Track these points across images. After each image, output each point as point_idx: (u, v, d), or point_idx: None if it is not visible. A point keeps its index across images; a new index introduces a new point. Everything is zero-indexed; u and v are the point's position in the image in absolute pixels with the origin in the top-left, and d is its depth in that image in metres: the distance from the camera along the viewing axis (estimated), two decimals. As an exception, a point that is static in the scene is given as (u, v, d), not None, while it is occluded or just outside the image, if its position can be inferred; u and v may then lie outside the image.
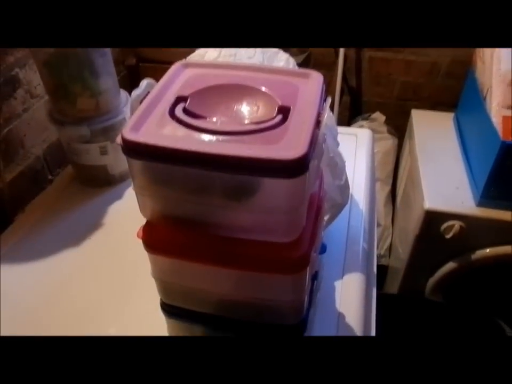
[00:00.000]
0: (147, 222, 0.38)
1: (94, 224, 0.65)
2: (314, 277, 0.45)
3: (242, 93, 0.37)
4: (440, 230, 0.98)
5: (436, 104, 1.48)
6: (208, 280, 0.39)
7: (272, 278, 0.37)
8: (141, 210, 0.37)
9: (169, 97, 0.36)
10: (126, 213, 0.59)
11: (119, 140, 0.32)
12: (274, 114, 0.34)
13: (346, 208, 0.60)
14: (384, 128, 1.47)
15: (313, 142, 0.32)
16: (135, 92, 0.47)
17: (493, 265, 1.00)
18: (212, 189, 0.34)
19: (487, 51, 1.01)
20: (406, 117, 1.38)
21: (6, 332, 0.50)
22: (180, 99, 0.36)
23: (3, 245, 0.62)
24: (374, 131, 1.43)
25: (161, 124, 0.34)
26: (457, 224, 0.96)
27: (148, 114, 0.34)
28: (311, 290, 0.44)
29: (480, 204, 0.96)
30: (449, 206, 0.98)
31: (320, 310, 0.51)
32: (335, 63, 1.43)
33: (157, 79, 0.41)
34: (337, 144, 0.58)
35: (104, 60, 0.65)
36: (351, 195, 0.67)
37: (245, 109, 0.35)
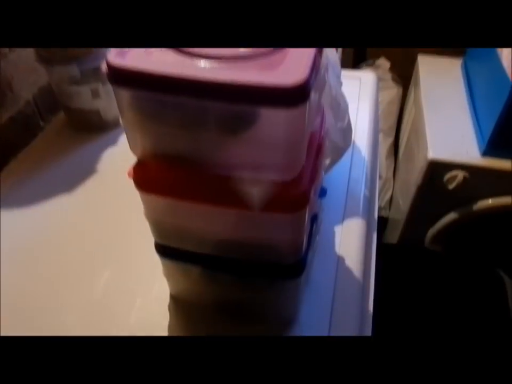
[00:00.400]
0: (138, 161, 0.36)
1: (87, 170, 0.63)
2: (314, 218, 0.44)
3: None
4: (443, 180, 0.97)
5: (443, 49, 1.43)
6: (203, 219, 0.38)
7: (271, 217, 0.35)
8: (131, 148, 0.35)
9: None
10: (120, 158, 0.57)
11: (103, 66, 0.30)
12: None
13: (348, 153, 0.58)
14: (389, 76, 1.42)
15: (315, 68, 0.29)
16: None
17: (494, 215, 1.00)
18: (205, 122, 0.31)
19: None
20: (412, 64, 1.32)
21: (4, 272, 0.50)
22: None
23: (-5, 191, 0.60)
24: (378, 79, 1.40)
25: (150, 50, 0.31)
26: (460, 174, 0.95)
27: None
28: (311, 232, 0.43)
29: (485, 153, 0.95)
30: (453, 156, 0.96)
31: (319, 253, 0.51)
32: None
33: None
34: (340, 83, 0.54)
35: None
36: (353, 141, 0.64)
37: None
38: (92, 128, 0.69)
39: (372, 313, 0.52)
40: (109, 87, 0.46)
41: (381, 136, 1.37)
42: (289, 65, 0.29)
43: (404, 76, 1.44)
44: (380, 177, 1.36)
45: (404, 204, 1.16)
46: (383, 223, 1.36)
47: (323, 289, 0.49)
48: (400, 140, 1.43)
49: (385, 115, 1.40)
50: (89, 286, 0.50)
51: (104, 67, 0.30)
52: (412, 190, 1.07)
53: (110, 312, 0.48)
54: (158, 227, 0.40)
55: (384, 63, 1.45)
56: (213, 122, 0.31)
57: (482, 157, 0.95)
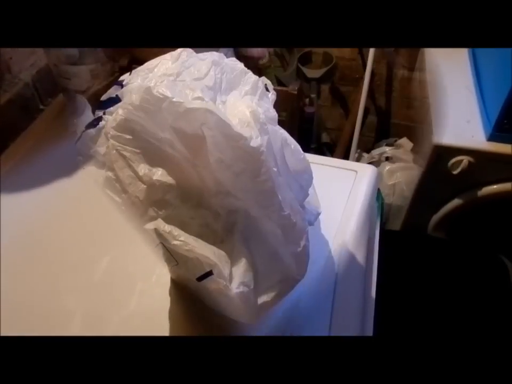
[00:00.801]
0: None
1: (87, 154, 0.61)
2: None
3: None
4: (448, 165, 0.95)
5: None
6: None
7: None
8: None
9: None
10: None
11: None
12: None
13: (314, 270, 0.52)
14: (410, 157, 1.36)
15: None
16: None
17: (498, 201, 0.99)
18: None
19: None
20: None
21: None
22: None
23: (-5, 174, 0.59)
24: (397, 159, 1.37)
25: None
26: (465, 159, 0.93)
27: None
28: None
29: (491, 137, 0.92)
30: (458, 140, 0.94)
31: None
32: (362, 78, 1.33)
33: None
34: (304, 195, 0.48)
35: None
36: (329, 252, 0.57)
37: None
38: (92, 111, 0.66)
39: (374, 305, 0.51)
40: (108, 66, 0.45)
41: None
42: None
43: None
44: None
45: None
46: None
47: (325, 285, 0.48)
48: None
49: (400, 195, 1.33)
50: (90, 271, 0.50)
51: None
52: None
53: (111, 297, 0.47)
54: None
55: (406, 143, 1.41)
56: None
57: (488, 141, 0.93)
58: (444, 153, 0.95)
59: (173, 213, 0.38)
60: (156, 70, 0.43)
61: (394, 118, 1.48)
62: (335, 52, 1.41)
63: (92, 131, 0.44)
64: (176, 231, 0.37)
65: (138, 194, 0.38)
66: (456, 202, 1.03)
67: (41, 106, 0.74)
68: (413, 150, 1.40)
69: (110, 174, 0.39)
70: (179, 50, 0.45)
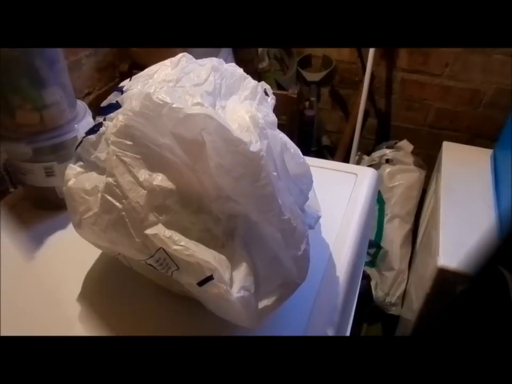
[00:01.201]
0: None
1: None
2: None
3: None
4: (455, 292, 0.81)
5: (474, 136, 1.38)
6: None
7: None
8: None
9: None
10: (65, 248, 0.56)
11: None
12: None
13: (316, 274, 0.51)
14: (410, 159, 1.37)
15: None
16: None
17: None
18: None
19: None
20: (439, 147, 1.24)
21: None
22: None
23: None
24: (398, 161, 1.36)
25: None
26: None
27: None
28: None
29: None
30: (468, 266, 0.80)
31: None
32: (361, 81, 1.34)
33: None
34: (304, 199, 0.48)
35: (54, 69, 0.56)
36: (330, 253, 0.56)
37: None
38: (48, 205, 0.63)
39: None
40: (65, 165, 0.44)
41: (397, 222, 1.30)
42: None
43: (429, 160, 1.37)
44: (392, 268, 1.26)
45: (416, 303, 0.97)
46: (393, 321, 1.24)
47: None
48: (419, 227, 1.32)
49: (404, 200, 1.32)
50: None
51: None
52: (421, 294, 0.90)
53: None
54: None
55: (407, 145, 1.40)
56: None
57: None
58: (450, 278, 0.83)
59: (174, 218, 0.38)
60: (155, 76, 0.43)
61: (394, 120, 1.48)
62: (334, 55, 1.41)
63: (92, 137, 0.44)
64: (177, 236, 0.37)
65: (139, 199, 0.38)
66: None
67: (11, 189, 0.72)
68: (413, 152, 1.40)
69: (110, 179, 0.39)
70: (178, 56, 0.45)
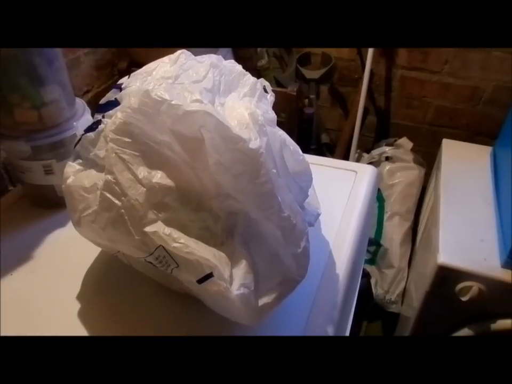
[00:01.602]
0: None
1: (22, 256, 0.55)
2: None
3: None
4: (455, 290, 0.82)
5: (474, 134, 1.38)
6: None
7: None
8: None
9: None
10: (64, 246, 0.56)
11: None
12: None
13: (316, 271, 0.51)
14: (410, 157, 1.36)
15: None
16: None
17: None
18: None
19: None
20: (438, 145, 1.23)
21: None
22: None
23: None
24: (397, 159, 1.36)
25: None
26: (475, 286, 0.79)
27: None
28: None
29: (506, 264, 0.78)
30: (468, 263, 0.80)
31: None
32: (361, 79, 1.33)
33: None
34: (304, 196, 0.47)
35: (53, 67, 0.56)
36: (330, 250, 0.56)
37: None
38: (47, 203, 0.63)
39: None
40: (64, 163, 0.44)
41: (396, 220, 1.30)
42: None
43: (429, 158, 1.37)
44: (392, 266, 1.26)
45: (416, 300, 0.96)
46: (393, 319, 1.23)
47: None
48: (419, 225, 1.32)
49: (404, 197, 1.32)
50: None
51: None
52: (421, 292, 0.90)
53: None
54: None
55: (406, 142, 1.40)
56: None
57: (503, 268, 0.78)
58: (451, 276, 0.82)
59: (173, 215, 0.38)
60: (154, 73, 0.43)
61: (393, 117, 1.48)
62: (333, 52, 1.41)
63: (91, 134, 0.44)
64: (176, 234, 0.37)
65: (138, 197, 0.38)
66: (465, 332, 0.87)
67: (11, 188, 0.71)
68: (413, 150, 1.40)
69: (109, 177, 0.39)
70: (177, 53, 0.45)
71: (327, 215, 0.57)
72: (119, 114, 0.39)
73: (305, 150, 0.47)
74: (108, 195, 0.39)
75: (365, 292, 1.26)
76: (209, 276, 0.37)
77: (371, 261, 1.33)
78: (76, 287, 0.51)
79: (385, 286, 1.28)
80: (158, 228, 0.37)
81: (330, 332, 0.47)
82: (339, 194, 0.66)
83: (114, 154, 0.38)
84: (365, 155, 1.47)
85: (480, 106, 1.34)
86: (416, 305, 0.93)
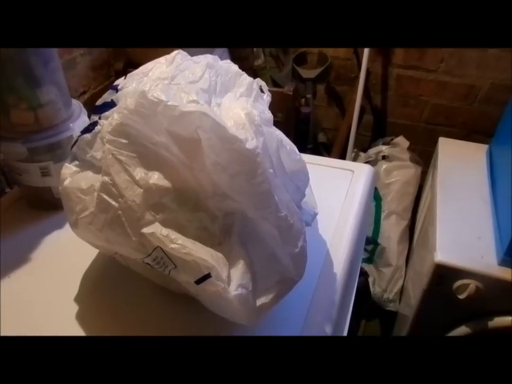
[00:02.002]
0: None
1: (20, 258, 0.55)
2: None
3: None
4: (452, 288, 0.82)
5: (470, 132, 1.39)
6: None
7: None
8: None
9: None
10: (61, 248, 0.56)
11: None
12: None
13: (313, 270, 0.51)
14: (407, 155, 1.37)
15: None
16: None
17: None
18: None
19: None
20: (435, 143, 1.24)
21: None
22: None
23: None
24: (394, 158, 1.36)
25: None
26: (472, 284, 0.79)
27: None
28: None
29: (503, 262, 0.78)
30: (465, 261, 0.80)
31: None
32: (357, 78, 1.34)
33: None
34: (301, 196, 0.48)
35: (49, 68, 0.56)
36: (327, 250, 0.57)
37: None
38: (44, 205, 0.63)
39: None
40: (61, 165, 0.44)
41: (393, 218, 1.30)
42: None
43: (426, 156, 1.37)
44: (390, 265, 1.27)
45: (414, 298, 0.96)
46: (391, 317, 1.24)
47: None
48: (416, 223, 1.32)
49: (401, 196, 1.32)
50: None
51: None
52: (418, 291, 0.90)
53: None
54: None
55: (403, 141, 1.40)
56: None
57: (499, 265, 0.78)
58: (448, 274, 0.82)
59: (170, 216, 0.38)
60: (150, 73, 0.43)
61: (390, 116, 1.48)
62: (330, 52, 1.41)
63: (87, 136, 0.44)
64: (174, 235, 0.37)
65: (135, 198, 0.38)
66: (463, 330, 0.87)
67: (8, 189, 0.71)
68: (410, 148, 1.40)
69: (106, 178, 0.39)
70: (173, 53, 0.45)
71: (324, 214, 0.57)
72: (115, 116, 0.39)
73: (302, 149, 0.47)
74: (105, 196, 0.39)
75: (363, 290, 1.27)
76: (207, 276, 0.37)
77: (369, 260, 1.34)
78: (74, 289, 0.51)
79: (383, 285, 1.28)
80: (156, 229, 0.37)
81: (328, 330, 0.47)
82: (336, 194, 0.66)
83: (111, 156, 0.38)
84: (362, 154, 1.47)
85: (476, 105, 1.35)
86: (414, 303, 0.94)
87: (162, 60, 0.44)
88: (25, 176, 0.60)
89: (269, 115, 0.45)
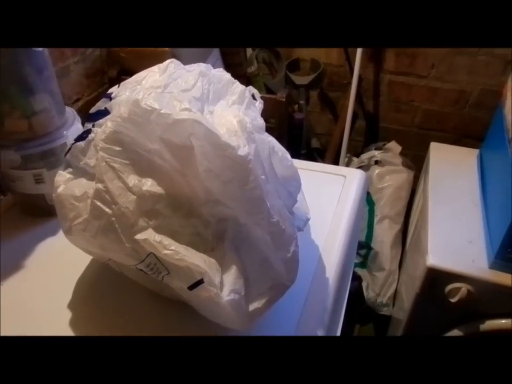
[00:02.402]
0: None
1: (13, 265, 0.55)
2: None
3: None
4: (444, 291, 0.83)
5: (461, 136, 1.40)
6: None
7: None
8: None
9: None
10: (55, 255, 0.56)
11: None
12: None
13: (306, 275, 0.51)
14: (399, 160, 1.38)
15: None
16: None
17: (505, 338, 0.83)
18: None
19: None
20: (426, 148, 1.25)
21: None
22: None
23: None
24: (387, 162, 1.38)
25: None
26: (464, 288, 0.80)
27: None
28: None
29: (494, 265, 0.79)
30: (457, 265, 0.81)
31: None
32: (350, 83, 1.35)
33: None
34: (293, 202, 0.48)
35: (42, 77, 0.57)
36: (320, 254, 0.57)
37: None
38: (38, 212, 0.63)
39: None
40: (54, 172, 0.45)
41: (386, 223, 1.31)
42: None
43: (418, 160, 1.39)
44: (383, 269, 1.28)
45: (407, 302, 0.96)
46: (385, 321, 1.25)
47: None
48: (408, 227, 1.33)
49: (393, 200, 1.33)
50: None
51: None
52: (411, 295, 0.90)
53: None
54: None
55: (395, 146, 1.42)
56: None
57: (490, 269, 0.79)
58: (440, 277, 0.82)
59: (164, 222, 0.39)
60: (143, 82, 0.43)
61: (382, 122, 1.50)
62: (322, 58, 1.42)
63: (81, 143, 0.44)
64: (167, 241, 0.38)
65: (129, 205, 0.38)
66: (455, 333, 0.87)
67: (1, 197, 0.70)
68: (402, 153, 1.42)
69: (100, 185, 0.39)
70: (166, 62, 0.46)
71: (316, 220, 0.58)
72: (109, 123, 0.40)
73: (296, 155, 0.48)
74: (99, 203, 0.39)
75: (357, 295, 1.27)
76: (200, 282, 0.37)
77: (362, 264, 1.34)
78: (68, 295, 0.51)
79: (376, 289, 1.29)
80: (149, 235, 0.38)
81: (320, 334, 0.48)
82: (328, 199, 0.67)
83: (104, 163, 0.39)
84: (355, 159, 1.48)
85: (467, 110, 1.36)
86: (407, 307, 0.94)
87: (155, 68, 0.45)
88: (19, 183, 0.60)
89: (261, 122, 0.45)
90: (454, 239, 0.88)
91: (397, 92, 1.42)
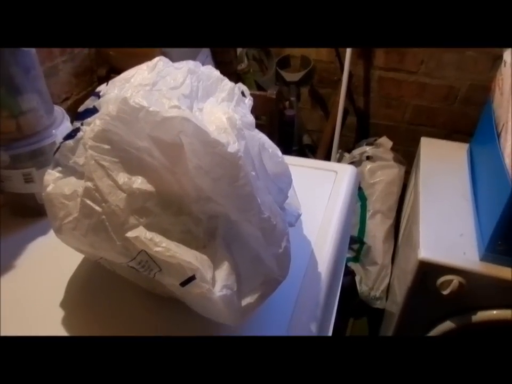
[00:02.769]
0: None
1: (4, 266, 0.55)
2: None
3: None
4: (436, 284, 0.84)
5: (451, 132, 1.41)
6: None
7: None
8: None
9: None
10: (46, 254, 0.56)
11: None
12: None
13: (298, 271, 0.52)
14: (390, 155, 1.39)
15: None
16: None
17: (496, 328, 0.83)
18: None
19: (507, 80, 0.83)
20: (417, 143, 1.27)
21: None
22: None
23: None
24: (378, 158, 1.39)
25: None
26: (456, 280, 0.81)
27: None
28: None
29: (484, 258, 0.80)
30: (448, 258, 0.82)
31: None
32: (340, 80, 1.36)
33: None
34: (284, 198, 0.48)
35: (30, 76, 0.56)
36: (312, 250, 0.57)
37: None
38: (28, 212, 0.62)
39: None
40: (44, 171, 0.44)
41: (379, 217, 1.32)
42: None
43: (409, 156, 1.40)
44: (376, 263, 1.29)
45: (400, 296, 0.97)
46: (378, 315, 1.26)
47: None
48: (401, 222, 1.34)
49: (385, 195, 1.34)
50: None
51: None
52: (404, 288, 0.92)
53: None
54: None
55: (386, 141, 1.42)
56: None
57: (481, 261, 0.81)
58: (431, 270, 0.84)
59: (154, 220, 0.39)
60: (132, 80, 0.43)
61: (373, 117, 1.50)
62: (312, 55, 1.43)
63: (70, 142, 0.44)
64: (158, 238, 0.38)
65: (119, 203, 0.38)
66: (448, 325, 0.88)
67: None
68: (393, 148, 1.43)
69: (89, 184, 0.39)
70: (155, 60, 0.46)
71: (308, 215, 0.58)
72: (97, 122, 0.40)
73: (287, 151, 0.48)
74: (88, 202, 0.39)
75: (350, 289, 1.28)
76: (192, 278, 0.37)
77: (355, 259, 1.35)
78: (59, 295, 0.51)
79: (369, 283, 1.30)
80: (140, 233, 0.38)
81: (313, 330, 0.48)
82: (320, 195, 0.67)
83: (93, 161, 0.39)
84: (346, 155, 1.49)
85: (456, 105, 1.38)
86: (400, 300, 0.95)
87: (144, 66, 0.45)
88: (8, 183, 0.60)
89: (250, 119, 0.45)
90: (445, 232, 0.89)
91: (387, 88, 1.43)
